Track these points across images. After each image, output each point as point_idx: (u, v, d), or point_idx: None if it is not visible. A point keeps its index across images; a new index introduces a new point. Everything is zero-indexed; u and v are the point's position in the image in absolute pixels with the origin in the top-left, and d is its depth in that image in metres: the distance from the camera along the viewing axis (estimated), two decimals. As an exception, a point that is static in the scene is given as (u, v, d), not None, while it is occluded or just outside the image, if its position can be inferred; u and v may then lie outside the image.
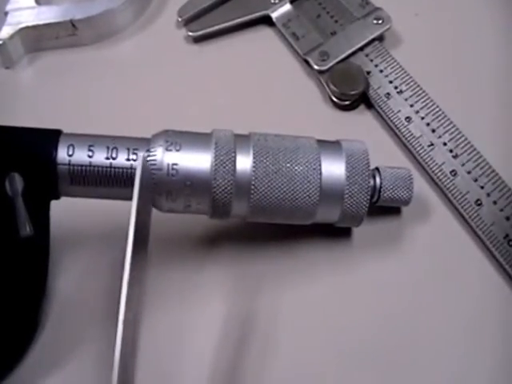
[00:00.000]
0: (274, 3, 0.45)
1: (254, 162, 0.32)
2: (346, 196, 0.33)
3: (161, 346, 0.33)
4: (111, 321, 0.33)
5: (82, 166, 0.31)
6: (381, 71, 0.41)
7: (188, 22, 0.45)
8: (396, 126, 0.39)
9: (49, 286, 0.34)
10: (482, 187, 0.36)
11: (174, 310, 0.34)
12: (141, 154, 0.31)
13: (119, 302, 0.27)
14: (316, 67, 0.42)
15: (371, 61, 0.42)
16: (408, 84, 0.40)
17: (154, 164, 0.31)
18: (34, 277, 0.32)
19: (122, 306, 0.27)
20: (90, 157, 0.31)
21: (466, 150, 0.37)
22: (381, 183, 0.34)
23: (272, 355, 0.33)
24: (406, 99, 0.40)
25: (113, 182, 0.31)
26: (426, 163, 0.38)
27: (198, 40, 0.45)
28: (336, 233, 0.36)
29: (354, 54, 0.42)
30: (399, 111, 0.39)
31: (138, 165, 0.30)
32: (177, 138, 0.32)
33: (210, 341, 0.33)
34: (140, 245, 0.29)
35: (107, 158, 0.31)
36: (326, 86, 0.41)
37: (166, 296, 0.35)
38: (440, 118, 0.39)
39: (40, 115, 0.40)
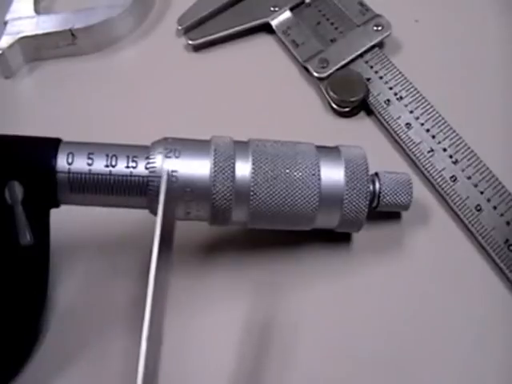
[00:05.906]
0: (274, 11, 0.45)
1: (254, 169, 0.32)
2: (346, 201, 0.33)
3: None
4: (111, 329, 0.34)
5: (81, 173, 0.31)
6: (381, 78, 0.41)
7: (188, 31, 0.45)
8: (396, 132, 0.39)
9: (49, 294, 0.34)
10: (482, 192, 0.36)
11: (172, 316, 0.34)
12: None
13: (143, 318, 0.27)
14: (316, 74, 0.42)
15: (371, 67, 0.42)
16: (408, 90, 0.40)
17: (154, 171, 0.31)
18: (35, 285, 0.32)
19: (146, 322, 0.27)
20: (89, 165, 0.31)
21: (465, 156, 0.37)
22: (380, 188, 0.34)
23: (269, 359, 0.33)
24: (405, 105, 0.40)
25: (112, 189, 0.31)
26: (426, 169, 0.38)
27: (197, 48, 0.45)
28: (336, 238, 0.36)
29: (353, 60, 0.42)
30: (399, 117, 0.39)
31: (163, 179, 0.30)
32: (176, 145, 0.32)
33: (210, 345, 0.33)
34: (164, 257, 0.29)
35: (107, 166, 0.31)
36: (325, 93, 0.41)
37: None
38: (440, 123, 0.39)
39: (40, 125, 0.40)
